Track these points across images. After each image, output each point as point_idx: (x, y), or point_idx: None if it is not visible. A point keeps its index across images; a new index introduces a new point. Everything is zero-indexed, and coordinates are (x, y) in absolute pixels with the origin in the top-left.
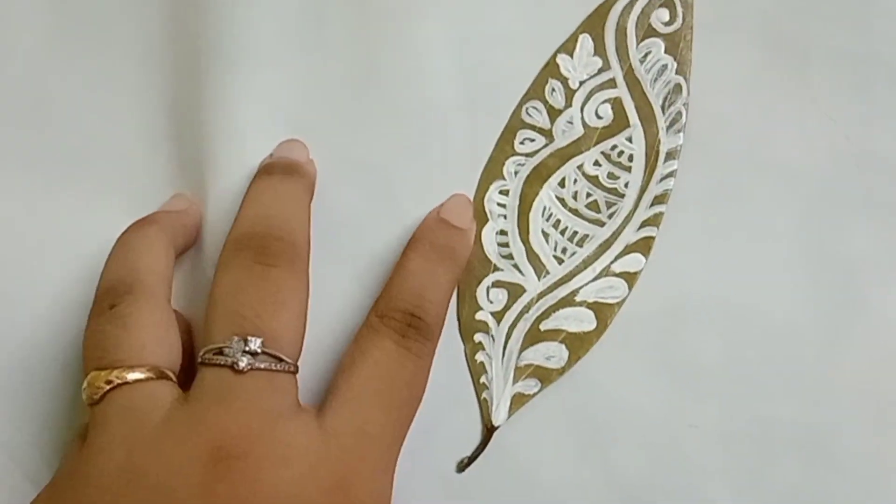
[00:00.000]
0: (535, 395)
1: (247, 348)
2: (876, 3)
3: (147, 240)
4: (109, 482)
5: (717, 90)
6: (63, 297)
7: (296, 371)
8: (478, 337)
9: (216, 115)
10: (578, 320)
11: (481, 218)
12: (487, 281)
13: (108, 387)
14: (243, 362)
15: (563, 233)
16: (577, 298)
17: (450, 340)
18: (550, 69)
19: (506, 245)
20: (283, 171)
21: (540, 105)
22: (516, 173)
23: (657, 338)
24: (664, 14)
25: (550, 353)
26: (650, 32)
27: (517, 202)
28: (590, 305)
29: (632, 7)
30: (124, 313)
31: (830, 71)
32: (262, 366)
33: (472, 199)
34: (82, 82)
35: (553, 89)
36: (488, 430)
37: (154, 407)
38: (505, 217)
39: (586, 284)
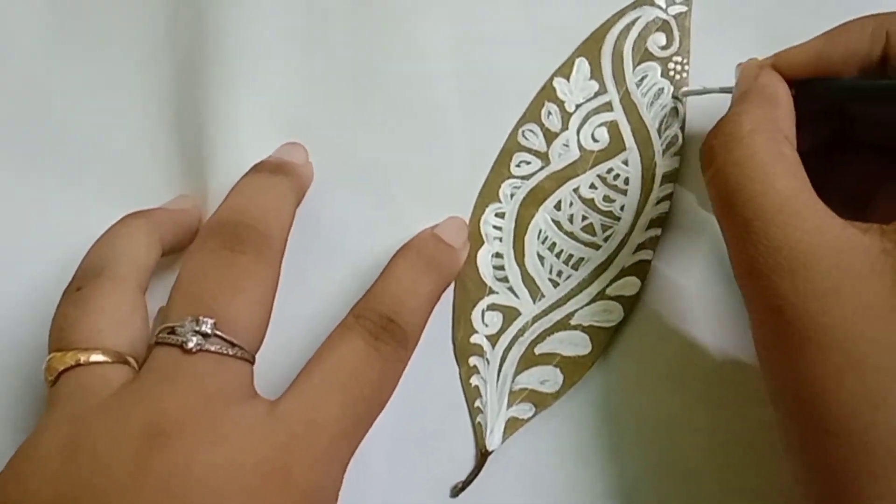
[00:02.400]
0: (529, 419)
1: (198, 329)
2: (876, 4)
3: (129, 229)
4: (50, 458)
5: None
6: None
7: (251, 360)
8: (472, 360)
9: (217, 115)
10: (573, 344)
11: (477, 240)
12: (482, 304)
13: (62, 368)
14: (192, 342)
15: (558, 256)
16: (572, 322)
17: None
18: (547, 92)
19: (501, 268)
20: (271, 170)
21: (536, 128)
22: (512, 196)
23: (655, 357)
24: (661, 38)
25: (545, 378)
26: (647, 56)
27: (513, 225)
28: (585, 329)
29: (628, 31)
30: (87, 296)
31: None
32: (213, 348)
33: (467, 220)
34: (83, 82)
35: (549, 112)
36: (482, 455)
37: (104, 387)
38: (500, 240)
39: (581, 308)
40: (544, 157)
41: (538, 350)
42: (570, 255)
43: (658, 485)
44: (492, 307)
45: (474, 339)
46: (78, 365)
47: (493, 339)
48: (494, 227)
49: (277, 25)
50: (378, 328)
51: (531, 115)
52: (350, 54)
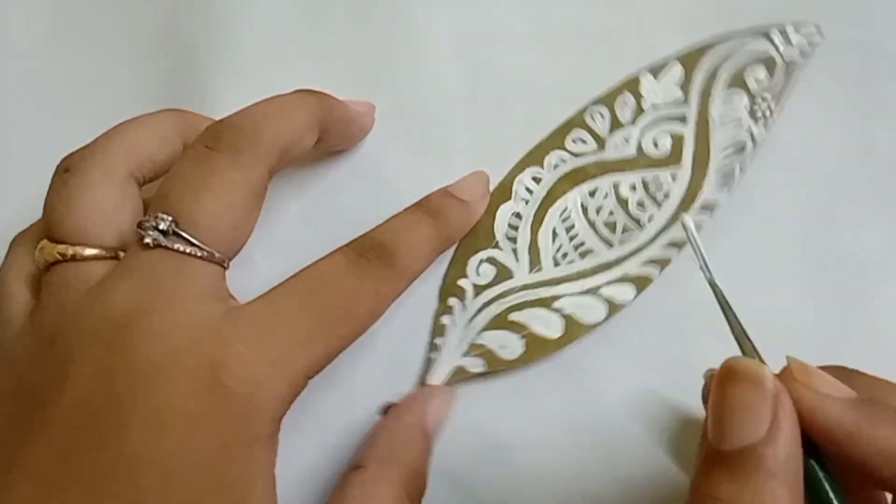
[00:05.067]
0: (475, 375)
1: (157, 226)
2: None
3: (146, 117)
4: (23, 351)
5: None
6: None
7: (220, 263)
8: (451, 301)
9: (218, 113)
10: (546, 324)
11: (505, 194)
12: (484, 254)
13: (51, 260)
14: (149, 238)
15: (571, 239)
16: (555, 305)
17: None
18: (631, 83)
19: (515, 228)
20: (302, 92)
21: (606, 112)
22: (556, 167)
23: (654, 339)
24: (761, 72)
25: (506, 344)
26: (739, 83)
27: (544, 193)
28: (563, 315)
29: (732, 54)
30: (72, 186)
31: (832, 64)
32: (171, 245)
33: (503, 175)
34: (84, 81)
35: (625, 103)
36: (420, 386)
37: (85, 283)
38: (526, 202)
39: (569, 295)
40: (601, 143)
41: (512, 316)
42: (582, 243)
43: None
44: (490, 260)
45: (462, 282)
46: (64, 260)
47: (479, 290)
48: (526, 188)
49: (280, 24)
50: (365, 248)
51: (607, 98)
52: (354, 52)
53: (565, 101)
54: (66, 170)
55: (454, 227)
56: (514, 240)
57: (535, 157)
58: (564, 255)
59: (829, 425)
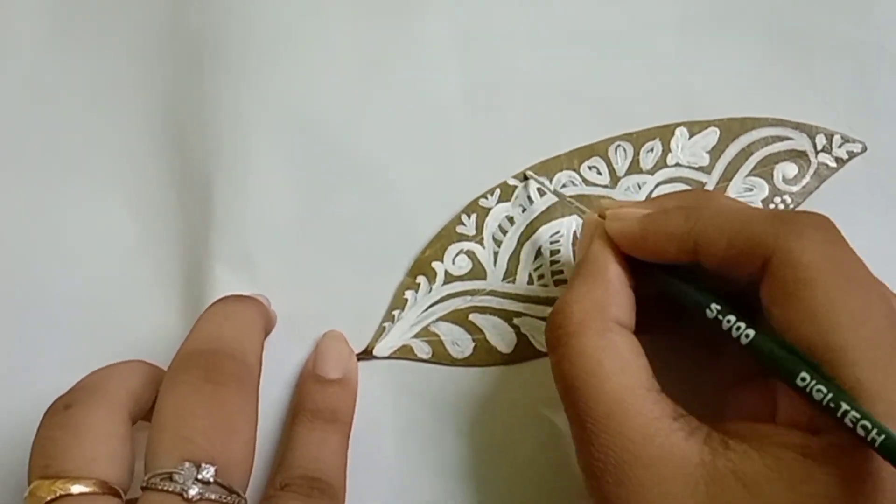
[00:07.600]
0: (419, 360)
1: (199, 476)
2: None
3: (129, 364)
4: None
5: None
6: (62, 293)
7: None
8: (420, 279)
9: (218, 112)
10: (501, 337)
11: (506, 194)
12: (465, 245)
13: (49, 497)
14: (193, 491)
15: (552, 263)
16: (516, 321)
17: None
18: (664, 131)
19: (504, 232)
20: (237, 298)
21: (630, 151)
22: (563, 186)
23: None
24: (791, 170)
25: (458, 341)
26: (765, 174)
27: (543, 208)
28: (520, 334)
29: (769, 143)
30: (78, 418)
31: (833, 61)
32: (213, 496)
33: (502, 175)
34: (84, 79)
35: (651, 148)
36: (365, 352)
37: None
38: (523, 210)
39: (531, 317)
40: (614, 179)
41: (472, 316)
42: (561, 271)
43: None
44: (469, 254)
45: (435, 265)
46: (68, 495)
47: (449, 278)
48: (528, 196)
49: (279, 21)
50: (308, 489)
51: (636, 138)
52: (354, 52)
53: (565, 100)
54: (67, 406)
55: (349, 416)
56: (499, 243)
57: (547, 168)
58: (541, 277)
59: (623, 234)
